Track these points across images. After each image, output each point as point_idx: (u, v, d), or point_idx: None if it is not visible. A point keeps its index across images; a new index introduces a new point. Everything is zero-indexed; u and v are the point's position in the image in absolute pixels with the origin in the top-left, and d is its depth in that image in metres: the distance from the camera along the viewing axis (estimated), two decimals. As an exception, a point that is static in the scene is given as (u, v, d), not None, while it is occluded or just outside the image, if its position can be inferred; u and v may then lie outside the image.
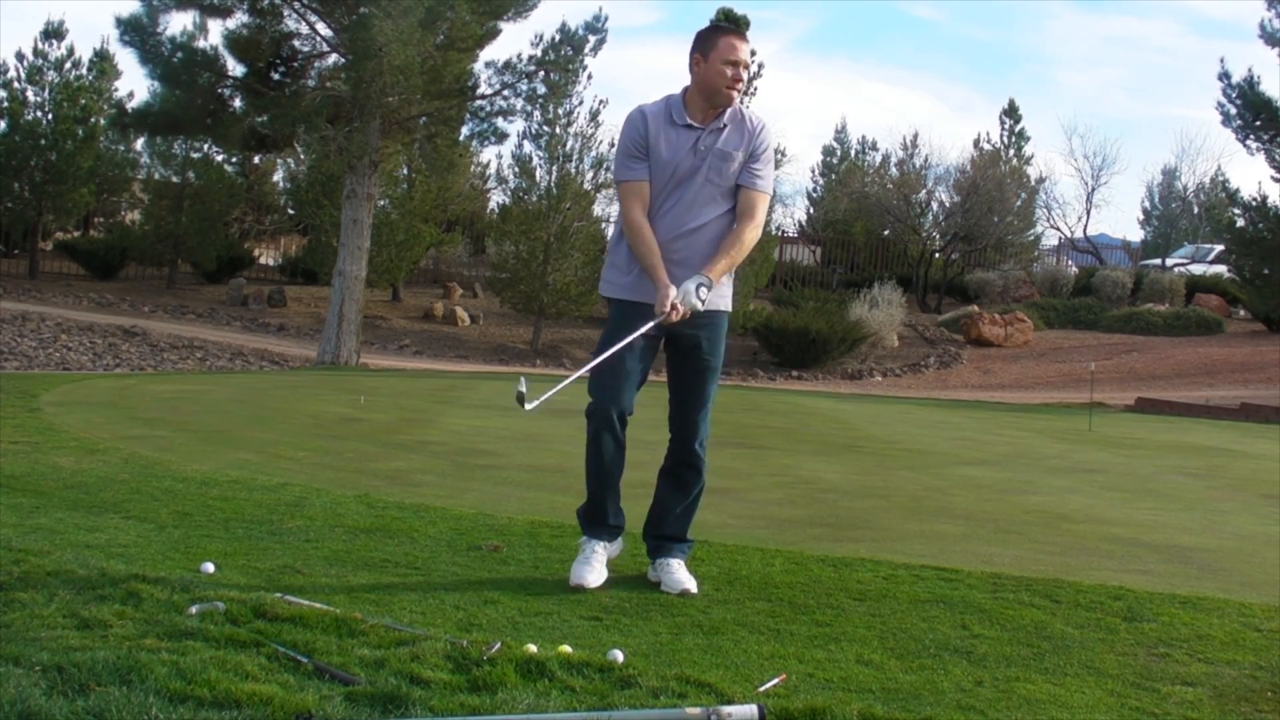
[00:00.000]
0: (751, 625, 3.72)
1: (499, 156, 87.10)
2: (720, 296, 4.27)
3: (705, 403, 4.29)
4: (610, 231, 4.53)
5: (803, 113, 75.29)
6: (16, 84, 25.25)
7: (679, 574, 4.17)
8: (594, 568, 4.13)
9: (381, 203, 23.36)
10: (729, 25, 4.37)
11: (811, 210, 40.60)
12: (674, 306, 4.01)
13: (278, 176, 30.21)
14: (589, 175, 23.55)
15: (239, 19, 18.59)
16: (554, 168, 23.28)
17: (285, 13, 18.76)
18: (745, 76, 4.19)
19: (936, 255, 32.23)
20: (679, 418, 4.30)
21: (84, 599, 3.45)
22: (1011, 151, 37.28)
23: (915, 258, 32.08)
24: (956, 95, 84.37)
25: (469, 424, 9.72)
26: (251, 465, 6.56)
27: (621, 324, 4.18)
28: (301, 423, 9.12)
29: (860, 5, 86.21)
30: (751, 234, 4.21)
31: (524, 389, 3.79)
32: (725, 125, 4.19)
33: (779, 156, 25.32)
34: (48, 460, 6.25)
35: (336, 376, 15.62)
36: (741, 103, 4.30)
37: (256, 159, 28.44)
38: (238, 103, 19.24)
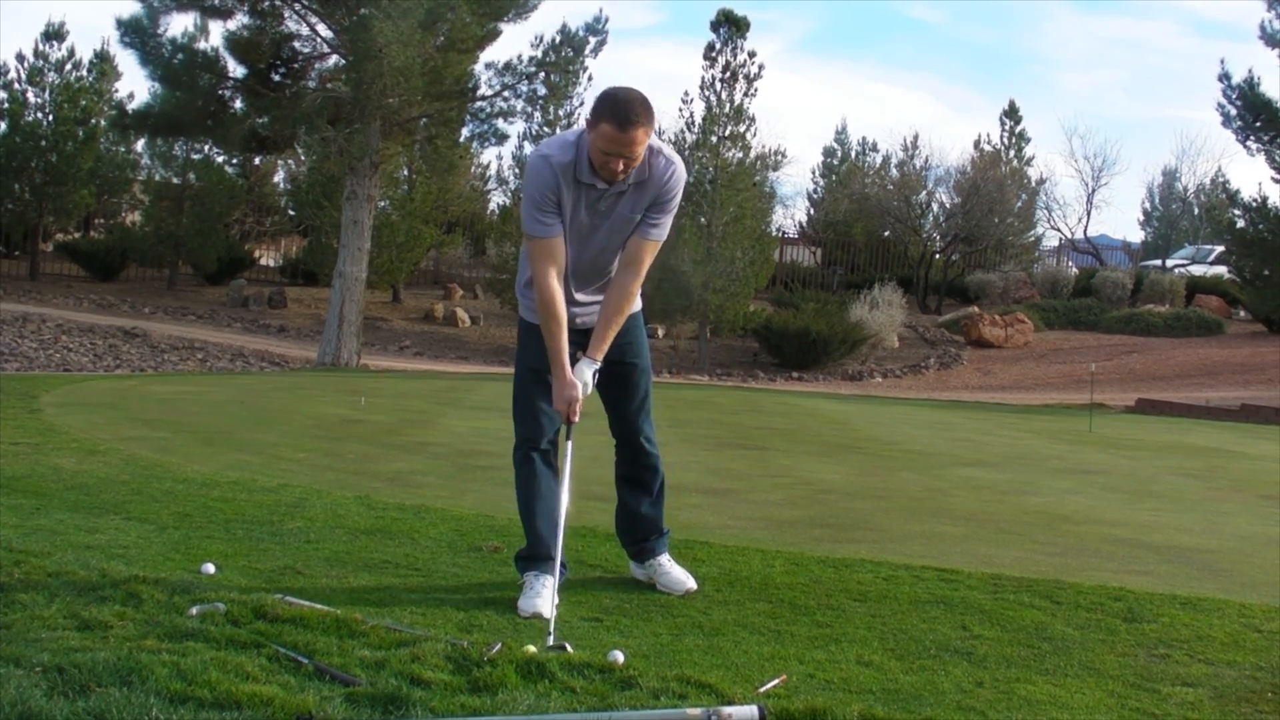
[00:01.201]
0: (752, 626, 3.72)
1: (499, 158, 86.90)
2: None
3: (642, 401, 4.17)
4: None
5: (803, 114, 75.41)
6: (17, 85, 25.26)
7: (675, 572, 4.16)
8: (545, 598, 3.69)
9: (382, 204, 23.36)
10: (619, 108, 3.68)
11: (812, 211, 40.60)
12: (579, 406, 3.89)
13: (278, 178, 30.25)
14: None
15: (239, 20, 18.64)
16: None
17: (286, 14, 18.79)
18: (630, 164, 3.75)
19: (937, 256, 32.24)
20: (618, 423, 4.19)
21: (84, 600, 3.46)
22: (1012, 152, 37.26)
23: (915, 259, 32.10)
24: (957, 96, 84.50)
25: (469, 425, 9.73)
26: (252, 466, 6.56)
27: (536, 345, 3.99)
28: (302, 424, 9.13)
29: (860, 6, 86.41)
30: (636, 285, 3.99)
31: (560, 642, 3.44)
32: (628, 187, 3.86)
33: (779, 158, 25.32)
34: (48, 461, 6.26)
35: (337, 378, 15.62)
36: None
37: (257, 160, 28.45)
38: (238, 104, 19.27)
